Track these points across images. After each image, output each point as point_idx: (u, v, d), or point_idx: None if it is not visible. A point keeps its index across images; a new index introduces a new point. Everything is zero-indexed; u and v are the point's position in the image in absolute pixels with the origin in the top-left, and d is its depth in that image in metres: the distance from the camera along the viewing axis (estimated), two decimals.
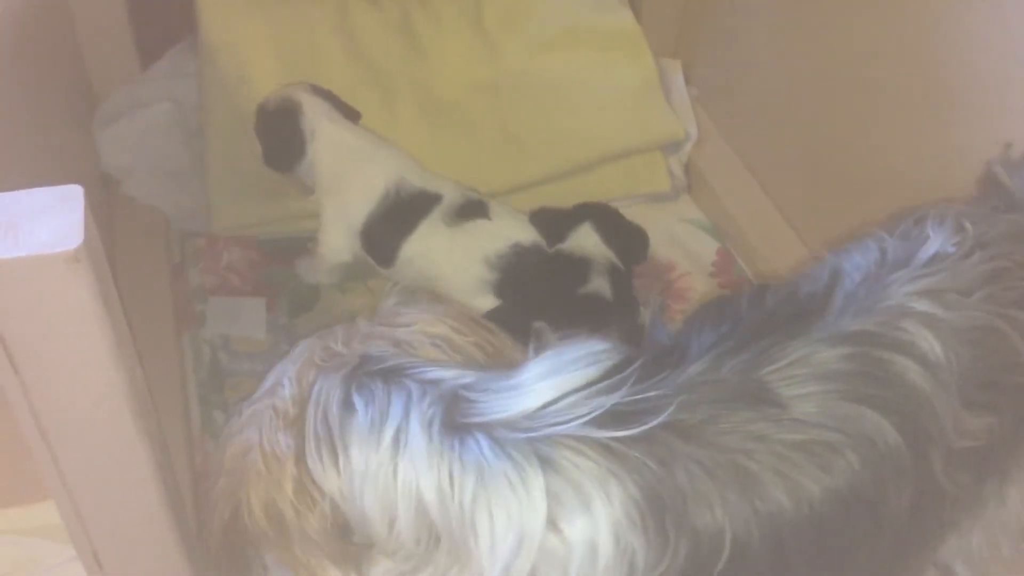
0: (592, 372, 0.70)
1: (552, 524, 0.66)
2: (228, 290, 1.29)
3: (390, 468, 0.68)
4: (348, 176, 1.25)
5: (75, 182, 1.11)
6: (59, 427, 0.75)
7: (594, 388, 0.69)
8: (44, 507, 1.05)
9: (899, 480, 0.70)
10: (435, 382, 0.70)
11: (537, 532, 0.66)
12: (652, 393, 0.69)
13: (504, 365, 0.74)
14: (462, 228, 1.22)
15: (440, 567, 0.69)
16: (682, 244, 1.39)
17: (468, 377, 0.71)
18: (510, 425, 0.67)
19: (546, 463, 0.66)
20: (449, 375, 0.71)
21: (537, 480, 0.65)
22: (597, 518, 0.66)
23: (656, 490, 0.67)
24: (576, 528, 0.66)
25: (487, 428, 0.68)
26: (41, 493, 1.06)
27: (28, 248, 0.64)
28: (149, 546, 0.87)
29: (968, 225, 0.78)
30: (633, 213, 1.42)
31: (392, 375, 0.70)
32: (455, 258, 1.22)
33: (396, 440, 0.68)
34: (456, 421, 0.68)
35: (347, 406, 0.70)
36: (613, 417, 0.68)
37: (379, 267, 1.26)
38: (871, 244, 0.79)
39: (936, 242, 0.77)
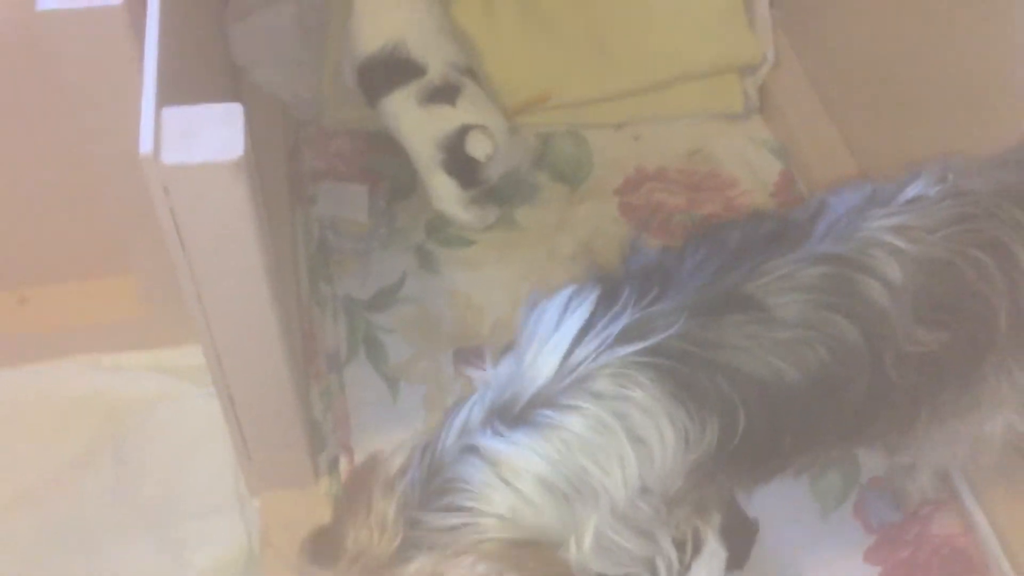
0: (583, 311, 0.84)
1: (632, 436, 0.81)
2: (335, 175, 1.46)
3: (509, 484, 0.81)
4: (368, 12, 1.40)
5: (213, 71, 1.26)
6: (212, 292, 0.93)
7: (600, 321, 0.83)
8: (183, 351, 1.25)
9: (858, 370, 0.86)
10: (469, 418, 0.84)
11: (628, 448, 0.81)
12: (657, 308, 0.84)
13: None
14: (427, 110, 1.35)
15: (587, 512, 0.82)
16: (748, 163, 1.50)
17: (488, 390, 0.84)
18: (552, 387, 0.81)
19: (598, 396, 0.81)
20: (472, 406, 0.84)
21: (602, 413, 0.80)
22: (656, 415, 0.81)
23: (686, 381, 0.82)
24: (647, 429, 0.81)
25: (537, 402, 0.81)
26: (182, 338, 1.27)
27: (201, 155, 0.81)
28: (271, 388, 1.07)
29: (950, 176, 0.90)
30: (705, 130, 1.54)
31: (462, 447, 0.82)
32: (416, 134, 1.35)
33: (496, 468, 0.80)
34: (513, 415, 0.81)
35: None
36: (629, 337, 0.82)
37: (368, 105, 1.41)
38: (865, 185, 0.93)
39: (918, 186, 0.90)
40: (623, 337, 0.82)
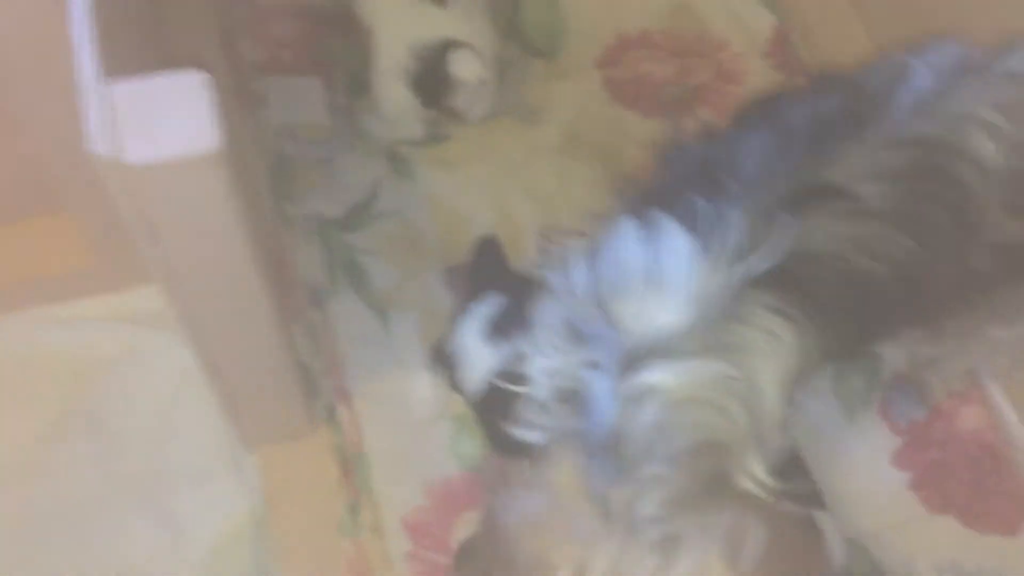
0: (674, 239, 0.74)
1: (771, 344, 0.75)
2: (282, 68, 1.28)
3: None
4: None
5: None
6: (185, 273, 0.80)
7: (696, 244, 0.73)
8: (139, 293, 1.12)
9: (945, 260, 0.80)
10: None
11: (774, 365, 0.75)
12: (744, 212, 0.74)
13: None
14: (410, 2, 1.15)
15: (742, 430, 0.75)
16: (737, 17, 1.36)
17: (605, 350, 0.73)
18: (686, 327, 0.72)
19: (737, 321, 0.73)
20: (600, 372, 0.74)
21: (751, 334, 0.74)
22: (782, 335, 0.75)
23: (796, 290, 0.75)
24: (778, 348, 0.75)
25: (677, 343, 0.72)
26: (135, 279, 1.13)
27: (169, 148, 0.66)
28: (253, 334, 0.93)
29: None
30: None
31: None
32: (390, 29, 1.17)
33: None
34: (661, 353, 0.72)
35: None
36: (736, 253, 0.73)
37: None
38: (951, 47, 0.82)
39: (1019, 59, 0.81)
40: (732, 255, 0.73)
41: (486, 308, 0.95)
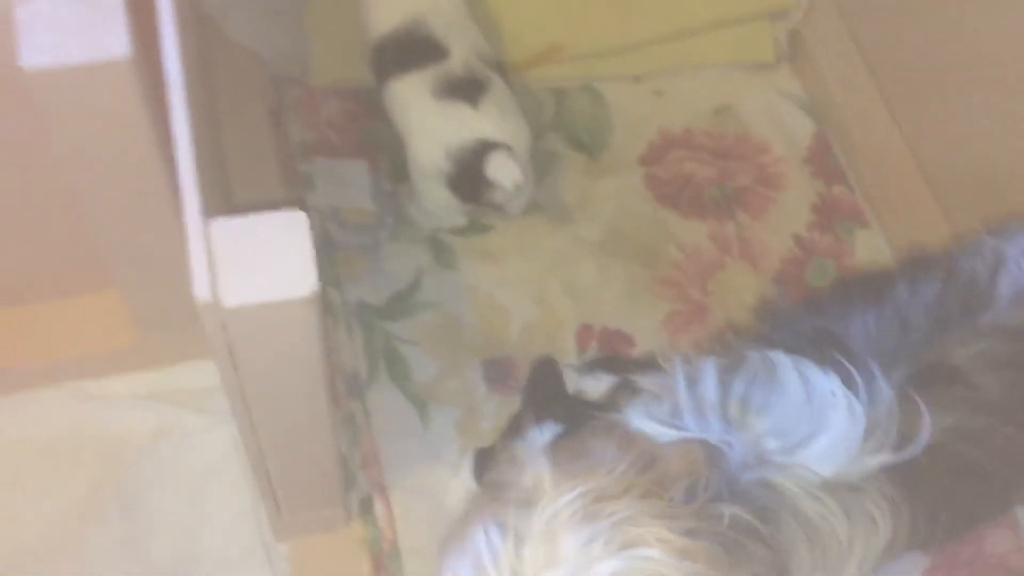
0: (831, 405, 0.74)
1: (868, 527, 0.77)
2: (329, 149, 1.29)
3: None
4: None
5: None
6: (263, 404, 0.80)
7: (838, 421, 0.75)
8: (178, 371, 1.12)
9: None
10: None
11: (863, 550, 0.77)
12: (879, 398, 0.76)
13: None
14: (442, 105, 1.15)
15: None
16: (778, 122, 1.38)
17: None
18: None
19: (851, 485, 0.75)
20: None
21: (857, 508, 0.75)
22: (880, 522, 0.76)
23: (904, 476, 0.76)
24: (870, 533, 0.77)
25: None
26: (175, 356, 1.13)
27: (267, 291, 0.67)
28: (306, 428, 0.92)
29: None
30: (730, 82, 1.41)
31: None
32: (423, 132, 1.17)
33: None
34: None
35: None
36: (877, 437, 0.75)
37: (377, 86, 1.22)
38: None
39: None
40: (886, 434, 0.75)
41: (544, 436, 0.95)
